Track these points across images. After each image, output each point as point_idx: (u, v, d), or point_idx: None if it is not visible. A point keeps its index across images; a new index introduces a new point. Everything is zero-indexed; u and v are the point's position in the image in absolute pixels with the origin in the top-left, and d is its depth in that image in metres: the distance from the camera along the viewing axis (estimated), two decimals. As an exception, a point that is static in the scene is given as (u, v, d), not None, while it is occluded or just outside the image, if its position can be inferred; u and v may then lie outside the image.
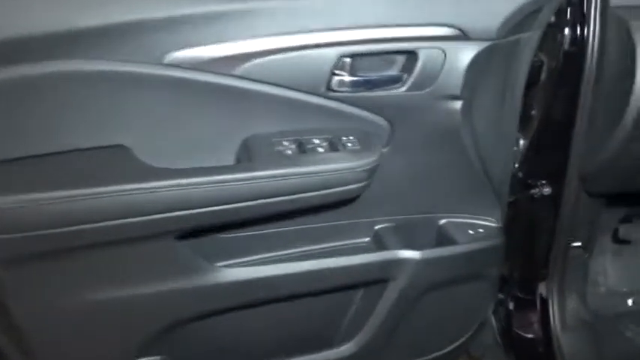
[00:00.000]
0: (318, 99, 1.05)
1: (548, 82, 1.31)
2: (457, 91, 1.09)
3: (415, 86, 1.07)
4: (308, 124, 1.08)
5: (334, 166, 1.01)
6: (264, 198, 0.99)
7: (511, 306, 1.53)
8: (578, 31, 1.22)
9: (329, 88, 1.04)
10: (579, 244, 1.53)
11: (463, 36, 1.06)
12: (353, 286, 1.22)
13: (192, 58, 0.96)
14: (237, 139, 1.05)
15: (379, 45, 1.04)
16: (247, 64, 0.98)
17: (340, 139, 1.07)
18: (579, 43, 1.22)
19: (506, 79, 1.15)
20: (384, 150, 1.13)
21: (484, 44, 1.07)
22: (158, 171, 0.96)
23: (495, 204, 1.28)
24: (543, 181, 1.41)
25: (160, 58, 0.94)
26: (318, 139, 1.07)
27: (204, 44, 0.96)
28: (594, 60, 1.20)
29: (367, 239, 1.26)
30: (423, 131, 1.13)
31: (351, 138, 1.07)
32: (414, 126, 1.12)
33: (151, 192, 0.92)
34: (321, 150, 1.04)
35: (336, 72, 1.04)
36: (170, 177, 0.94)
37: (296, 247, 1.20)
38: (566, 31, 1.23)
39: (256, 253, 1.17)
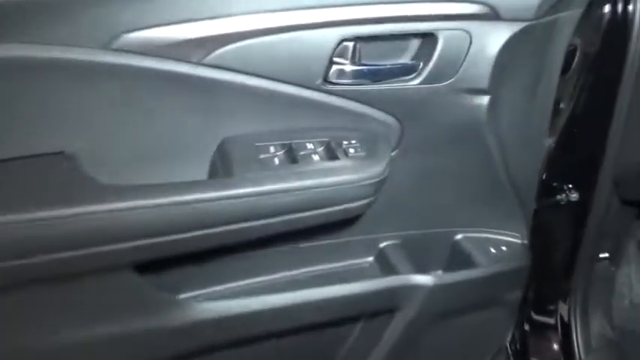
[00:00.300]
0: (313, 93, 0.84)
1: (581, 71, 1.11)
2: (484, 84, 0.88)
3: (432, 78, 0.86)
4: (300, 124, 0.87)
5: (333, 180, 0.80)
6: (245, 221, 0.78)
7: (527, 329, 1.34)
8: (621, 8, 1.01)
9: (326, 80, 0.83)
10: (606, 255, 1.34)
11: (494, 15, 0.85)
12: (353, 318, 1.02)
13: (150, 41, 0.74)
14: (210, 144, 0.84)
15: (389, 25, 0.83)
16: (221, 50, 0.77)
17: (340, 144, 0.86)
18: (622, 22, 1.01)
19: (539, 69, 0.95)
20: (392, 154, 0.92)
21: (519, 25, 0.86)
22: (110, 188, 0.74)
23: (520, 216, 1.08)
24: (570, 186, 1.22)
25: (107, 42, 0.72)
26: (313, 143, 0.86)
27: (166, 24, 0.74)
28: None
29: (370, 259, 1.06)
30: (440, 132, 0.93)
31: (353, 142, 0.87)
32: (430, 126, 0.92)
33: (101, 216, 0.70)
34: (316, 158, 0.83)
35: (336, 60, 0.83)
36: (126, 196, 0.72)
37: (284, 271, 1.00)
38: (607, 8, 1.02)
39: (236, 280, 0.97)
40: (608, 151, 1.11)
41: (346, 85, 0.85)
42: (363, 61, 0.85)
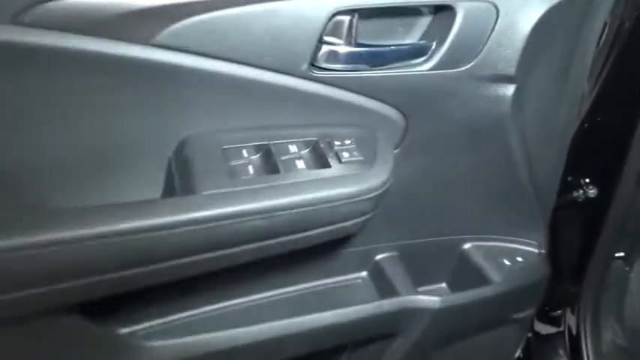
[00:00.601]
0: (297, 81, 0.66)
1: (610, 50, 0.94)
2: (510, 70, 0.71)
3: (447, 62, 0.69)
4: (279, 119, 0.69)
5: (322, 195, 0.63)
6: (209, 251, 0.60)
7: (532, 340, 1.20)
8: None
9: (314, 65, 0.66)
10: (622, 254, 1.20)
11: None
12: (345, 346, 0.87)
13: (77, 14, 0.55)
14: (164, 148, 0.66)
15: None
16: (176, 26, 0.58)
17: (331, 145, 0.69)
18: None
19: (573, 50, 0.78)
20: (395, 152, 0.75)
21: (551, 2, 0.68)
22: (34, 214, 0.56)
23: (539, 221, 0.93)
24: (588, 180, 1.06)
25: (16, 14, 0.53)
26: (296, 144, 0.68)
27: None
28: None
29: (363, 274, 0.90)
30: (453, 127, 0.76)
31: (347, 143, 0.69)
32: (441, 120, 0.75)
33: (29, 252, 0.52)
34: (300, 165, 0.66)
35: (326, 39, 0.64)
36: (52, 224, 0.54)
37: (261, 293, 0.83)
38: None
39: (204, 304, 0.80)
40: (635, 140, 0.96)
41: (339, 71, 0.67)
42: (361, 41, 0.67)
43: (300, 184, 0.63)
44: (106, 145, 0.62)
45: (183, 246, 0.59)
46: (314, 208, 0.63)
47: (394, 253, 0.90)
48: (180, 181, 0.63)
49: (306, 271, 0.85)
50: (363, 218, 0.68)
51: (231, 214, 0.59)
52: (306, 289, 0.86)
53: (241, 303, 0.82)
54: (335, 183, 0.64)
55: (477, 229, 0.92)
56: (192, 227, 0.57)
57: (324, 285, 0.87)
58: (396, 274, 0.88)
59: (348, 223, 0.67)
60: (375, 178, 0.66)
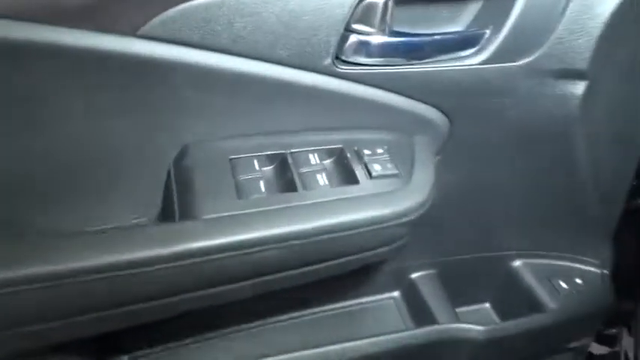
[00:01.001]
0: (318, 78, 0.55)
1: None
2: (582, 64, 0.58)
3: (504, 54, 0.56)
4: (297, 124, 0.57)
5: (347, 220, 0.52)
6: (209, 287, 0.50)
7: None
8: None
9: (339, 59, 0.54)
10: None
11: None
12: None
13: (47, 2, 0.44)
14: (161, 158, 0.55)
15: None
16: (169, 14, 0.47)
17: (359, 155, 0.57)
18: None
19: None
20: (436, 159, 0.64)
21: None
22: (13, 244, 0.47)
23: (602, 236, 0.79)
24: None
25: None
26: (318, 153, 0.57)
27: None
28: None
29: (395, 294, 0.79)
30: (506, 131, 0.64)
31: (379, 152, 0.58)
32: (492, 123, 0.63)
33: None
34: (322, 180, 0.54)
35: (354, 27, 0.52)
36: (23, 257, 0.45)
37: (286, 313, 0.73)
38: None
39: (222, 327, 0.70)
40: None
41: (370, 65, 0.55)
42: (397, 29, 0.55)
43: (322, 206, 0.52)
44: (90, 153, 0.52)
45: (179, 282, 0.48)
46: (338, 235, 0.51)
47: (431, 271, 0.78)
48: (179, 200, 0.53)
49: (331, 291, 0.75)
50: (397, 245, 0.57)
51: (236, 244, 0.48)
52: (329, 311, 0.76)
53: (261, 325, 0.72)
54: (363, 204, 0.52)
55: (528, 245, 0.79)
56: (189, 260, 0.47)
57: (350, 307, 0.77)
58: (433, 295, 0.76)
59: (379, 251, 0.56)
60: (413, 198, 0.54)
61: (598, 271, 0.80)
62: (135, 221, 0.59)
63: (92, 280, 0.45)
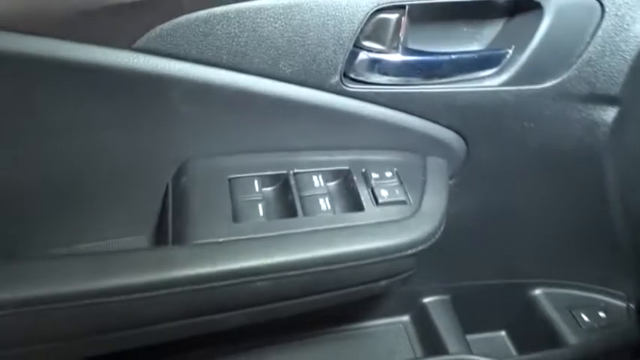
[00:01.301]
0: (324, 96, 0.51)
1: None
2: (614, 89, 0.53)
3: (526, 76, 0.52)
4: (302, 142, 0.54)
5: (349, 251, 0.48)
6: (196, 316, 0.47)
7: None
8: None
9: (347, 76, 0.51)
10: None
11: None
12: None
13: (35, 13, 0.42)
14: (157, 172, 0.53)
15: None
16: (165, 27, 0.45)
17: (366, 179, 0.54)
18: None
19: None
20: (450, 183, 0.60)
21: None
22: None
23: (630, 268, 0.74)
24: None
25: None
26: (322, 175, 0.54)
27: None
28: None
29: (405, 318, 0.76)
30: (528, 155, 0.60)
31: (387, 175, 0.54)
32: (513, 147, 0.58)
33: None
34: (324, 205, 0.51)
35: (364, 44, 0.49)
36: (23, 278, 0.43)
37: (295, 331, 0.70)
38: None
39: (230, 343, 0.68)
40: None
41: (380, 85, 0.51)
42: (411, 47, 0.51)
43: (322, 234, 0.48)
44: (85, 167, 0.50)
45: (168, 309, 0.46)
46: (337, 266, 0.48)
47: (444, 297, 0.74)
48: (173, 221, 0.50)
49: (337, 312, 0.72)
50: (403, 276, 0.53)
51: (227, 274, 0.45)
52: (335, 332, 0.73)
53: (264, 345, 0.70)
54: (367, 234, 0.49)
55: (549, 273, 0.75)
56: (177, 289, 0.44)
57: (356, 329, 0.73)
58: (445, 322, 0.73)
59: (382, 284, 0.53)
60: (421, 228, 0.51)
61: (624, 304, 0.75)
62: (131, 239, 0.57)
63: (80, 305, 0.43)
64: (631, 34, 0.50)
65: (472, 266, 0.72)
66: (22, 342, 0.44)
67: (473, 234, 0.68)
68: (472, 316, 0.75)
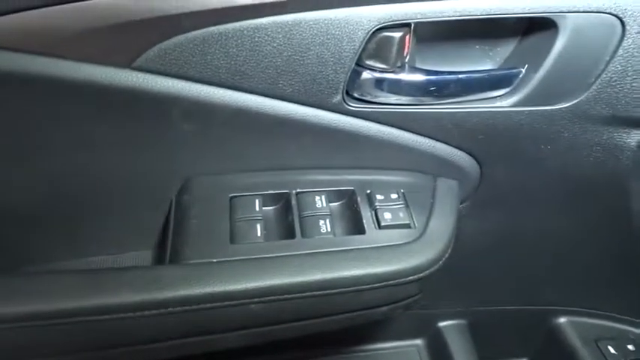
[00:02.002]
0: (327, 115, 0.49)
1: None
2: (637, 111, 0.49)
3: (541, 96, 0.50)
4: (305, 162, 0.53)
5: (347, 276, 0.47)
6: (202, 334, 0.47)
7: None
8: None
9: (350, 95, 0.49)
10: None
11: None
12: None
13: (32, 31, 0.43)
14: (159, 189, 0.53)
15: (467, 3, 0.45)
16: (164, 45, 0.45)
17: (371, 200, 0.52)
18: None
19: None
20: (462, 205, 0.57)
21: None
22: None
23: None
24: None
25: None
26: (325, 195, 0.52)
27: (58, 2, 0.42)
28: None
29: (418, 342, 0.73)
30: (545, 178, 0.57)
31: (393, 197, 0.52)
32: (529, 169, 0.55)
33: None
34: (325, 227, 0.50)
35: (366, 63, 0.47)
36: (18, 294, 0.44)
37: (301, 350, 0.69)
38: None
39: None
40: None
41: (385, 104, 0.50)
42: (419, 65, 0.49)
43: (319, 258, 0.47)
44: (86, 184, 0.51)
45: (162, 329, 0.46)
46: (335, 291, 0.47)
47: (461, 321, 0.72)
48: (172, 239, 0.50)
49: (346, 332, 0.70)
50: (406, 302, 0.51)
51: (220, 295, 0.44)
52: (344, 353, 0.71)
53: None
54: (366, 258, 0.47)
55: (573, 301, 0.71)
56: (170, 309, 0.44)
57: (368, 351, 0.71)
58: (460, 346, 0.70)
59: (384, 309, 0.51)
60: (424, 254, 0.48)
61: None
62: (136, 253, 0.57)
63: (71, 322, 0.43)
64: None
65: (489, 291, 0.69)
66: (11, 358, 0.44)
67: (489, 258, 0.65)
68: (490, 343, 0.72)
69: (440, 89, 0.49)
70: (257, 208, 0.51)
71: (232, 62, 0.45)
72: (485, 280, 0.67)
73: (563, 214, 0.61)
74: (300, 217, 0.50)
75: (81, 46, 0.44)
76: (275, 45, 0.45)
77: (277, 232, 0.50)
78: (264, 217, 0.51)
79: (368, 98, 0.49)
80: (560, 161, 0.54)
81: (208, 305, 0.44)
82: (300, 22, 0.44)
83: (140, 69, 0.45)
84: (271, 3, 0.44)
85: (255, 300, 0.45)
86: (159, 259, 0.55)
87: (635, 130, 0.51)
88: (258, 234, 0.49)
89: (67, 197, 0.51)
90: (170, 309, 0.44)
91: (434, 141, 0.53)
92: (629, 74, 0.48)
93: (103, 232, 0.55)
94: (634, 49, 0.47)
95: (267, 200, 0.52)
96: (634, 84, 0.48)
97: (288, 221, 0.50)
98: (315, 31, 0.45)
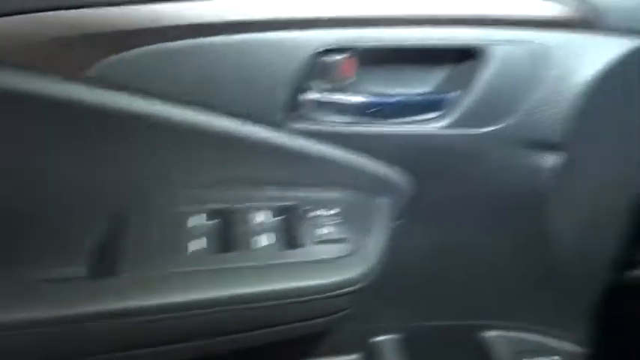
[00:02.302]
0: (270, 133, 0.51)
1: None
2: (557, 136, 0.53)
3: (470, 119, 0.53)
4: (249, 177, 0.54)
5: (279, 288, 0.48)
6: (137, 347, 0.47)
7: None
8: None
9: (294, 113, 0.51)
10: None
11: (592, 22, 0.49)
12: None
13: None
14: (106, 205, 0.52)
15: (405, 30, 0.48)
16: (111, 59, 0.45)
17: (309, 215, 0.53)
18: None
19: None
20: (399, 222, 0.59)
21: (630, 42, 0.51)
22: None
23: (582, 312, 0.74)
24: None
25: None
26: (267, 211, 0.53)
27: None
28: None
29: (353, 357, 0.74)
30: (475, 196, 0.60)
31: (330, 213, 0.54)
32: (459, 187, 0.59)
33: None
34: (262, 241, 0.50)
35: (310, 84, 0.50)
36: None
37: None
38: None
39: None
40: None
41: (326, 123, 0.51)
42: (359, 87, 0.51)
43: (255, 270, 0.48)
44: (32, 199, 0.49)
45: (102, 340, 0.45)
46: (269, 304, 0.47)
47: (395, 336, 0.73)
48: (114, 252, 0.49)
49: (281, 348, 0.70)
50: (340, 315, 0.53)
51: (154, 308, 0.44)
52: None
53: None
54: (301, 271, 0.49)
55: (501, 315, 0.74)
56: (104, 321, 0.44)
57: None
58: None
59: (319, 321, 0.52)
60: (356, 267, 0.50)
61: (576, 350, 0.75)
62: (73, 269, 0.56)
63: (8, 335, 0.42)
64: (576, 81, 0.51)
65: (423, 306, 0.72)
66: None
67: (423, 273, 0.68)
68: (425, 358, 0.74)
69: (378, 111, 0.52)
70: (200, 222, 0.51)
71: (182, 78, 0.46)
72: (420, 295, 0.70)
73: (491, 232, 0.64)
74: (241, 232, 0.51)
75: (29, 57, 0.43)
76: (224, 63, 0.46)
77: (219, 246, 0.50)
78: (207, 232, 0.51)
79: (310, 117, 0.51)
80: (487, 181, 0.57)
81: (142, 318, 0.44)
82: (248, 43, 0.46)
83: (89, 82, 0.45)
84: (221, 23, 0.46)
85: (194, 312, 0.45)
86: (100, 272, 0.54)
87: (556, 153, 0.55)
88: (199, 247, 0.49)
89: (7, 209, 0.50)
90: (108, 321, 0.43)
91: (372, 160, 0.55)
92: (552, 100, 0.52)
93: (46, 245, 0.53)
94: (557, 77, 0.51)
95: (211, 214, 0.52)
96: (555, 109, 0.52)
97: (230, 235, 0.51)
98: (262, 51, 0.46)
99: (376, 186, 0.56)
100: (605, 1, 0.50)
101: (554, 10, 0.49)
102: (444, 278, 0.68)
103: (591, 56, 0.51)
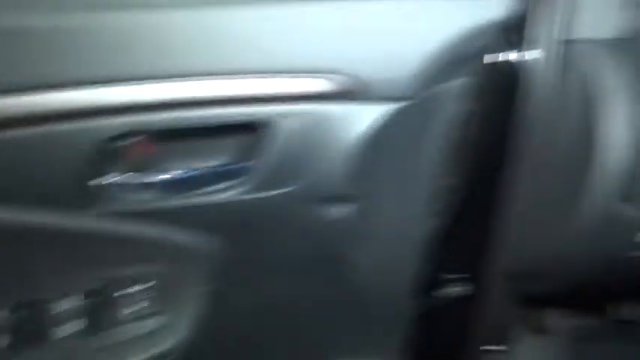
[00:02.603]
0: (75, 220, 0.52)
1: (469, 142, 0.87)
2: (345, 189, 0.61)
3: (265, 184, 0.58)
4: (55, 265, 0.53)
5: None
6: None
7: None
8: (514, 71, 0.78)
9: (96, 197, 0.52)
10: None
11: (355, 93, 0.58)
12: None
13: None
14: None
15: (193, 112, 0.52)
16: None
17: (117, 295, 0.54)
18: (512, 87, 0.78)
19: (417, 153, 0.69)
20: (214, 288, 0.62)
21: (390, 106, 0.59)
22: None
23: (389, 337, 0.82)
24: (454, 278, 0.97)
25: None
26: (74, 298, 0.53)
27: None
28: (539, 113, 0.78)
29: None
30: (281, 254, 0.65)
31: (138, 289, 0.55)
32: (265, 248, 0.63)
33: None
34: (70, 329, 0.50)
35: (106, 168, 0.52)
36: None
37: None
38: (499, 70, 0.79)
39: None
40: (499, 236, 0.88)
41: (129, 203, 0.53)
42: (155, 165, 0.54)
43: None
44: None
45: None
46: None
47: None
48: None
49: None
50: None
51: None
52: None
53: None
54: (114, 352, 0.49)
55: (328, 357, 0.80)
56: None
57: None
58: None
59: None
60: (171, 339, 0.52)
61: None
62: None
63: None
64: (353, 142, 0.58)
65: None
66: None
67: (244, 334, 0.70)
68: None
69: (181, 184, 0.55)
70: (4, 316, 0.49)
71: None
72: (243, 357, 0.73)
73: (304, 284, 0.69)
74: (48, 322, 0.50)
75: None
76: (13, 155, 0.46)
77: (28, 339, 0.49)
78: (12, 325, 0.49)
79: (115, 199, 0.52)
80: (293, 236, 0.63)
81: None
82: (32, 137, 0.46)
83: None
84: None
85: None
86: None
87: (347, 204, 0.62)
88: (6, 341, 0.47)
89: None
90: None
91: (175, 232, 0.57)
92: (334, 162, 0.58)
93: None
94: (337, 141, 0.58)
95: (15, 307, 0.50)
96: (337, 169, 0.59)
97: (36, 326, 0.49)
98: (49, 146, 0.47)
99: (189, 256, 0.59)
100: (368, 75, 0.58)
101: (325, 85, 0.56)
102: (268, 336, 0.72)
103: (363, 121, 0.59)
